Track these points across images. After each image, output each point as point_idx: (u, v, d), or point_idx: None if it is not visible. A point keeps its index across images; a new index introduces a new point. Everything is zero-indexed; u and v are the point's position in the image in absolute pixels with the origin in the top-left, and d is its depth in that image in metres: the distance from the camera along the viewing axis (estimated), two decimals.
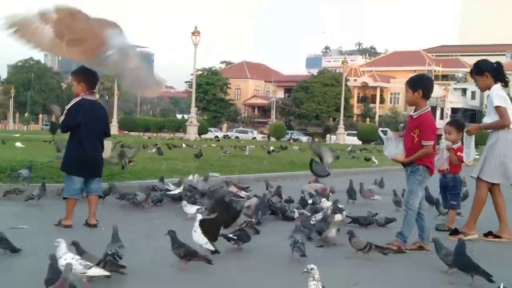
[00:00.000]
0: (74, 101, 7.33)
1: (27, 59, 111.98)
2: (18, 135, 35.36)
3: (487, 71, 7.50)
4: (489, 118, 7.44)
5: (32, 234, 6.52)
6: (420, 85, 6.63)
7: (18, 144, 20.38)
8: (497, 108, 7.27)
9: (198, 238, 5.56)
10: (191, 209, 7.91)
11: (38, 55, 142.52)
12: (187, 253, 5.20)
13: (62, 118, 7.39)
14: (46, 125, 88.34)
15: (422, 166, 6.54)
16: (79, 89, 7.38)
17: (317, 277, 3.84)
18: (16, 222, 7.13)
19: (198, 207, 7.98)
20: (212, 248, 5.61)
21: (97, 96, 7.38)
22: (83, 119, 7.22)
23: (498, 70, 7.57)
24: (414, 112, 6.69)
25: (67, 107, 7.37)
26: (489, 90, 7.53)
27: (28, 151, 17.60)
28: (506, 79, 7.56)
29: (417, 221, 6.70)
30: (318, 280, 3.84)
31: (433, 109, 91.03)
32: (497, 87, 7.42)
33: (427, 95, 6.61)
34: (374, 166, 20.14)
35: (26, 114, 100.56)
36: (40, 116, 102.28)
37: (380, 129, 7.12)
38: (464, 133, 7.71)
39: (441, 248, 5.52)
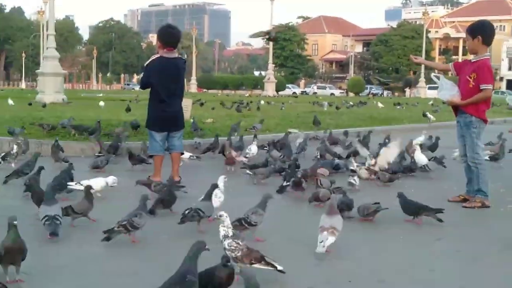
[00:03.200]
0: (151, 59, 7.51)
1: (107, 20, 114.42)
2: (101, 95, 36.37)
3: None
4: None
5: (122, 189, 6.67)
6: (480, 31, 6.49)
7: (101, 103, 21.13)
8: None
9: None
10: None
11: (118, 15, 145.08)
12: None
13: (141, 75, 7.64)
14: (127, 84, 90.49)
15: (475, 118, 6.41)
16: (158, 47, 7.55)
17: (227, 223, 3.96)
18: None
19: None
20: None
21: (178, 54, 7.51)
22: (159, 75, 7.34)
23: None
24: (473, 58, 6.57)
25: (145, 64, 7.57)
26: None
27: (109, 109, 18.13)
28: None
29: (466, 172, 6.68)
30: (228, 226, 3.95)
31: None
32: None
33: (487, 41, 6.44)
34: (429, 122, 18.14)
35: (108, 74, 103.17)
36: (122, 75, 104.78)
37: (433, 74, 7.06)
38: None
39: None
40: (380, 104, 27.95)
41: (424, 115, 18.88)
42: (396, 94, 74.99)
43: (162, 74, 7.34)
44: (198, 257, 3.15)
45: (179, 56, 7.93)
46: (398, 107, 28.15)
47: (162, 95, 7.37)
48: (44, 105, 18.90)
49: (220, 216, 4.00)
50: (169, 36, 7.55)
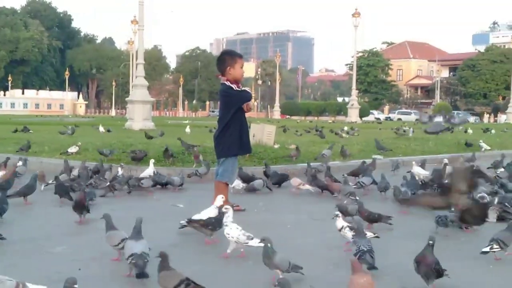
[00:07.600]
0: None
1: (193, 49, 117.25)
2: (187, 121, 37.23)
3: None
4: None
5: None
6: None
7: (187, 129, 21.72)
8: None
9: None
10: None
11: (204, 44, 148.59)
12: None
13: None
14: (212, 111, 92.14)
15: None
16: None
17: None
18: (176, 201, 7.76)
19: None
20: None
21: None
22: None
23: None
24: None
25: None
26: None
27: (195, 136, 18.56)
28: None
29: None
30: None
31: None
32: None
33: None
34: (483, 151, 15.82)
35: (194, 101, 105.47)
36: (207, 103, 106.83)
37: None
38: None
39: None
40: (470, 130, 27.13)
41: (469, 145, 16.53)
42: (485, 120, 72.82)
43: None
44: None
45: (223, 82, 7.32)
46: (488, 132, 27.38)
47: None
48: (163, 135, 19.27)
49: None
50: (218, 62, 7.26)
